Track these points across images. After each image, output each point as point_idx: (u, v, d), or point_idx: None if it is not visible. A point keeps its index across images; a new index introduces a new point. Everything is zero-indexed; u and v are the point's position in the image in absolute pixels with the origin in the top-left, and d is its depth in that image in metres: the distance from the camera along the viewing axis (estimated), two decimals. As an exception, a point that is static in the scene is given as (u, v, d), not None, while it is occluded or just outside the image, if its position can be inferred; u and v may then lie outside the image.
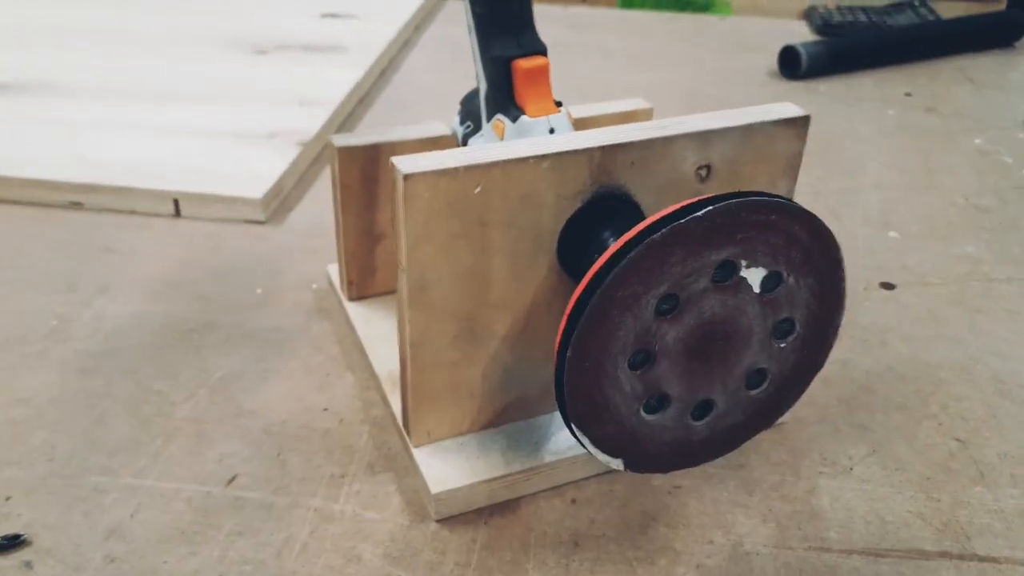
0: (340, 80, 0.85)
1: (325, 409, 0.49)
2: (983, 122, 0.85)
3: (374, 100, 0.88)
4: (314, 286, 0.59)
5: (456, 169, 0.36)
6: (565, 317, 0.33)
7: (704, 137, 0.40)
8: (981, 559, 0.40)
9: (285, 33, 0.98)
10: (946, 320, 0.57)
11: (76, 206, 0.68)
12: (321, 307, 0.57)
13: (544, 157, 0.38)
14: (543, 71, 0.44)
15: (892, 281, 0.61)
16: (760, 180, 0.43)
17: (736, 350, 0.35)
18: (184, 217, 0.67)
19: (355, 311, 0.54)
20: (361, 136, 0.50)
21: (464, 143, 0.50)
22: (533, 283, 0.41)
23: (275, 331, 0.55)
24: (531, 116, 0.43)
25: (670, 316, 0.34)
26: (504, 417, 0.45)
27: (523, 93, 0.43)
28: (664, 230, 0.32)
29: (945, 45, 1.02)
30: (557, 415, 0.46)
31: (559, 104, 0.44)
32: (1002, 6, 1.19)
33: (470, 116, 0.49)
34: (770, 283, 0.35)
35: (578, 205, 0.40)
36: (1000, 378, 0.52)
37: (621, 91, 0.88)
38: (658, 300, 0.33)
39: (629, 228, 0.37)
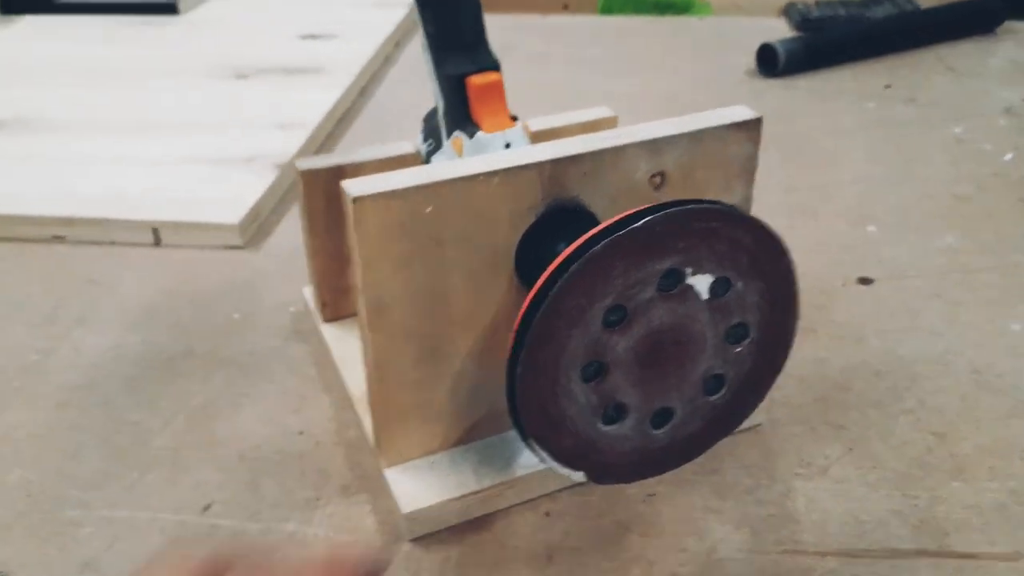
0: (319, 101, 0.86)
1: (300, 432, 0.49)
2: (962, 111, 0.85)
3: (354, 119, 0.88)
4: (292, 309, 0.59)
5: (406, 190, 0.37)
6: (513, 333, 0.33)
7: (655, 145, 0.40)
8: (959, 556, 0.40)
9: (265, 57, 0.98)
10: (923, 313, 0.57)
11: (58, 239, 0.68)
12: (298, 329, 0.57)
13: (494, 173, 0.38)
14: (496, 87, 0.44)
15: (869, 275, 0.61)
16: (715, 185, 0.43)
17: (690, 357, 0.35)
18: (164, 246, 0.67)
19: (330, 332, 0.54)
20: (325, 158, 0.50)
21: (427, 161, 0.50)
22: (494, 299, 0.41)
23: (251, 355, 0.55)
24: (486, 132, 0.43)
25: (619, 327, 0.34)
26: (475, 433, 0.45)
27: (478, 109, 0.44)
28: (604, 242, 0.32)
29: (925, 35, 1.02)
30: None
31: (515, 118, 0.44)
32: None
33: (432, 134, 0.50)
34: (719, 289, 0.35)
35: (532, 219, 0.40)
36: (978, 369, 0.51)
37: (599, 99, 0.88)
38: (605, 312, 0.33)
39: (575, 235, 0.37)
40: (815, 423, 0.48)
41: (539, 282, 0.32)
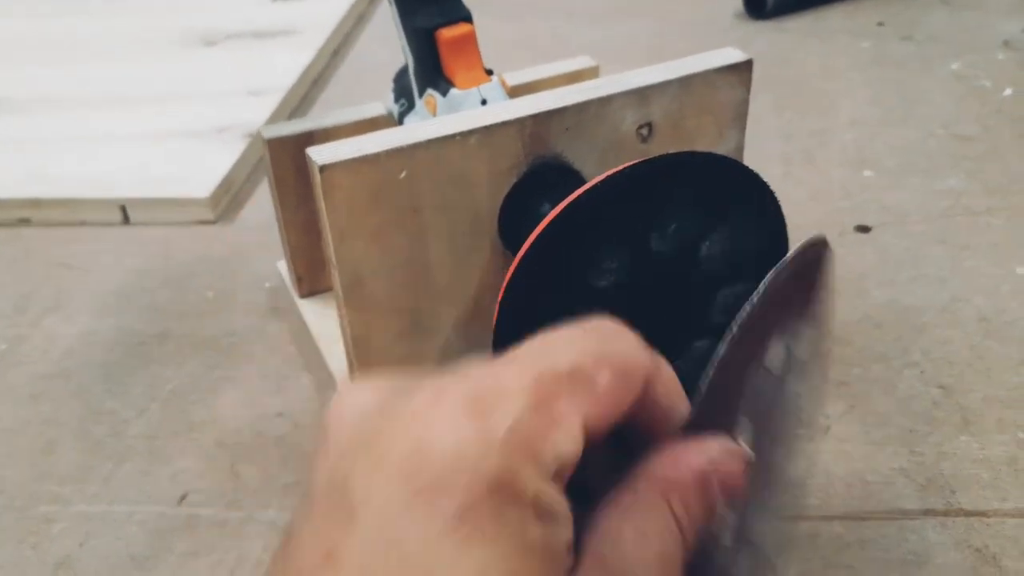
0: (289, 65, 0.82)
1: (279, 414, 0.47)
2: (960, 45, 0.82)
3: (328, 82, 0.85)
4: (267, 284, 0.57)
5: (377, 155, 0.34)
6: (500, 297, 0.31)
7: (642, 94, 0.38)
8: (968, 514, 0.38)
9: (234, 22, 0.95)
10: (927, 260, 0.54)
11: (25, 222, 0.66)
12: (275, 306, 0.55)
13: (471, 132, 0.35)
14: (469, 39, 0.41)
15: (868, 223, 0.58)
16: (706, 133, 0.41)
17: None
18: (134, 224, 0.65)
19: (307, 308, 0.52)
20: (292, 124, 0.47)
21: (400, 122, 0.47)
22: (477, 266, 0.39)
23: (228, 336, 0.53)
24: (460, 88, 0.40)
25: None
26: None
27: (451, 64, 0.41)
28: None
29: (918, -32, 0.98)
30: None
31: (490, 72, 0.42)
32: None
33: (403, 93, 0.47)
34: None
35: (514, 180, 0.37)
36: (986, 317, 0.49)
37: (582, 49, 0.85)
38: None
39: (560, 194, 0.35)
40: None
41: (529, 240, 0.30)
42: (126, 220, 0.64)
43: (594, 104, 0.37)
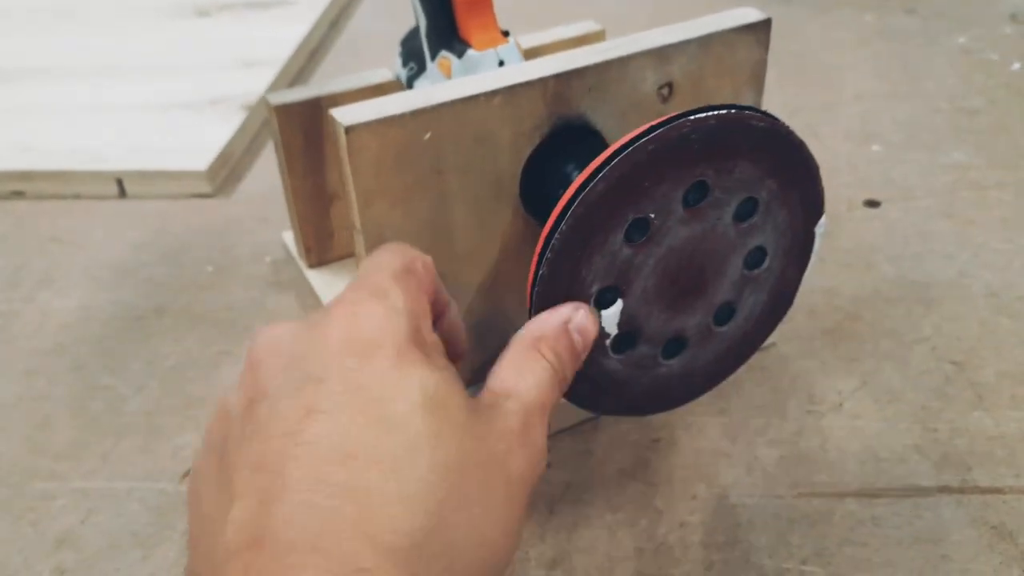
0: (286, 35, 0.81)
1: (282, 389, 0.46)
2: (966, 19, 0.81)
3: (326, 53, 0.84)
4: (268, 258, 0.56)
5: (402, 116, 0.33)
6: (535, 261, 0.30)
7: (662, 53, 0.37)
8: (983, 491, 0.38)
9: (229, -8, 0.93)
10: (935, 235, 0.54)
11: (18, 195, 0.64)
12: (277, 280, 0.54)
13: (495, 93, 0.35)
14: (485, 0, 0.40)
15: (876, 198, 0.57)
16: (724, 94, 0.40)
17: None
18: (130, 198, 0.63)
19: (317, 279, 0.51)
20: (299, 91, 0.46)
21: (409, 86, 0.46)
22: (498, 230, 0.38)
23: (228, 310, 0.52)
24: (477, 49, 0.40)
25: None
26: (482, 374, 0.42)
27: (466, 25, 0.40)
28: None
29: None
30: None
31: (506, 34, 0.41)
32: None
33: (412, 56, 0.46)
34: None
35: (537, 141, 0.37)
36: (995, 292, 0.49)
37: (578, 18, 0.84)
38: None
39: (593, 158, 0.34)
40: (826, 357, 0.45)
41: (567, 194, 0.29)
42: (122, 193, 0.63)
43: (615, 64, 0.36)
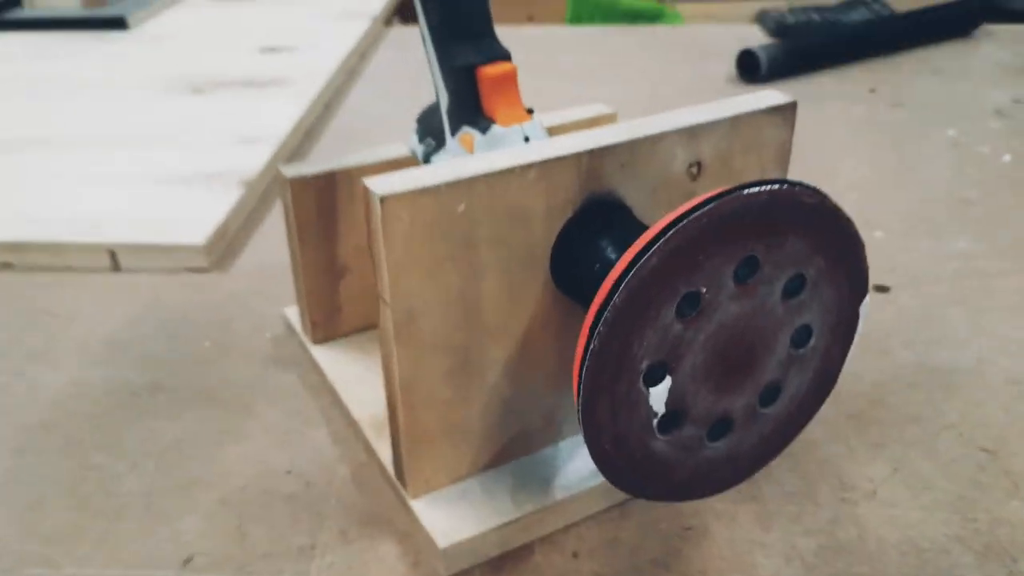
0: (283, 114, 0.81)
1: (288, 471, 0.44)
2: (953, 113, 0.83)
3: (321, 133, 0.84)
4: (268, 334, 0.54)
5: (437, 187, 0.33)
6: (584, 335, 0.29)
7: (692, 132, 0.37)
8: (1029, 583, 0.37)
9: (223, 71, 0.93)
10: (948, 321, 0.53)
11: (6, 267, 0.62)
12: (278, 356, 0.52)
13: (530, 166, 0.34)
14: (511, 77, 0.40)
15: (886, 283, 0.57)
16: (751, 173, 0.41)
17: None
18: (124, 271, 0.61)
19: (322, 355, 0.49)
20: (314, 165, 0.45)
21: (426, 162, 0.46)
22: (528, 304, 0.37)
23: (228, 387, 0.50)
24: (503, 125, 0.39)
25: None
26: (506, 455, 0.40)
27: (491, 102, 0.40)
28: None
29: (905, 38, 1.00)
30: (562, 446, 0.42)
31: (530, 111, 0.41)
32: (953, -2, 1.18)
33: (430, 133, 0.45)
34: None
35: (569, 215, 0.36)
36: (1015, 379, 0.48)
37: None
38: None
39: (628, 234, 0.34)
40: (853, 443, 0.44)
41: (618, 268, 0.28)
42: (115, 266, 0.61)
43: (647, 141, 0.36)
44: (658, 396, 0.30)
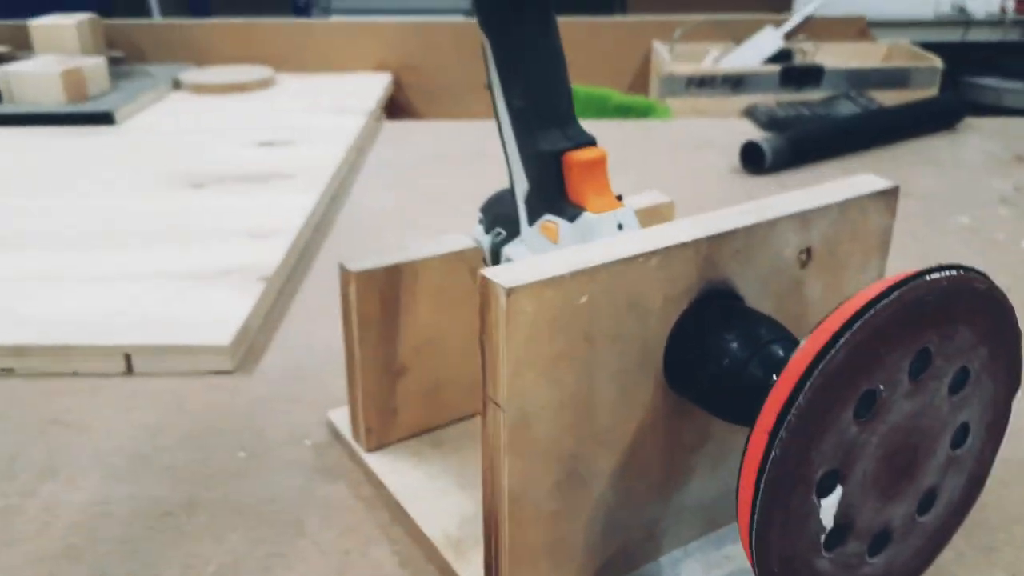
0: (293, 208, 0.78)
1: (355, 598, 0.39)
2: (962, 202, 0.84)
3: (330, 228, 0.81)
4: (308, 441, 0.50)
5: (562, 277, 0.30)
6: (759, 442, 0.26)
7: (805, 218, 0.36)
8: None
9: (221, 165, 0.90)
10: (1016, 413, 0.52)
11: (7, 373, 0.57)
12: (324, 466, 0.48)
13: (653, 254, 0.32)
14: (601, 163, 0.38)
15: (945, 373, 0.56)
16: (855, 261, 0.39)
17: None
18: (137, 375, 0.57)
19: (379, 464, 0.45)
20: (378, 257, 0.43)
21: (495, 253, 0.43)
22: (640, 406, 0.35)
23: (271, 503, 0.45)
24: (595, 212, 0.37)
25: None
26: (607, 573, 0.37)
27: (580, 188, 0.38)
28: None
29: (895, 130, 1.02)
30: (663, 561, 0.38)
31: (619, 198, 0.39)
32: (932, 92, 1.22)
33: (499, 222, 0.43)
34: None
35: (684, 306, 0.34)
36: (1104, 471, 0.46)
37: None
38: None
39: (754, 326, 0.32)
40: (961, 547, 0.41)
41: (799, 365, 0.26)
42: (129, 370, 0.57)
43: (764, 227, 0.35)
44: (828, 508, 0.27)
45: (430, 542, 0.40)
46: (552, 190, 0.38)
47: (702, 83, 1.19)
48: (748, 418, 0.32)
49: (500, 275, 0.30)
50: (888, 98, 1.16)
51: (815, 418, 0.26)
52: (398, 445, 0.47)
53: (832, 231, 0.37)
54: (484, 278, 0.30)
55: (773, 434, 0.26)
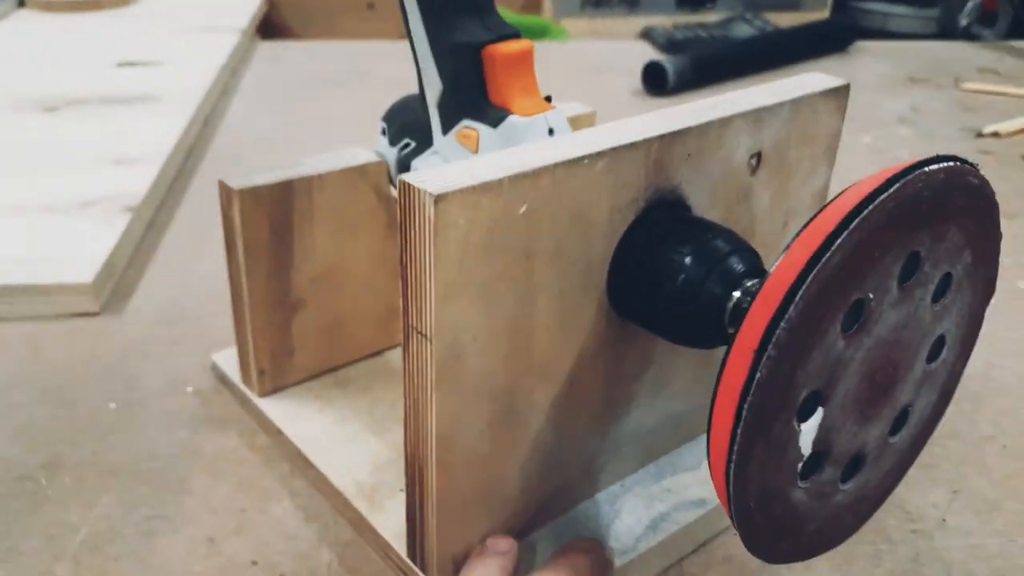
0: (161, 132, 0.70)
1: (253, 562, 0.34)
2: (863, 122, 0.83)
3: (204, 154, 0.73)
4: (189, 389, 0.44)
5: (500, 182, 0.25)
6: (741, 363, 0.22)
7: (758, 117, 0.33)
8: None
9: (76, 87, 0.80)
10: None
11: None
12: (210, 415, 0.42)
13: (599, 156, 0.27)
14: (527, 57, 0.33)
15: (865, 291, 0.54)
16: (804, 167, 0.36)
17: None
18: (-16, 320, 0.49)
19: (275, 410, 0.40)
20: (267, 173, 0.37)
21: (404, 168, 0.38)
22: (581, 331, 0.31)
23: (151, 459, 0.40)
24: (522, 115, 0.32)
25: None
26: (543, 516, 0.33)
27: (503, 88, 0.33)
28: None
29: (791, 52, 1.00)
30: (600, 498, 0.35)
31: (548, 99, 0.34)
32: (823, 15, 1.21)
33: (406, 132, 0.38)
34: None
35: (631, 219, 0.30)
36: (1029, 382, 0.46)
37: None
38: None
39: (705, 239, 0.28)
40: (900, 465, 0.40)
41: (787, 274, 0.22)
42: (-27, 315, 0.49)
43: (717, 126, 0.31)
44: (808, 433, 0.24)
45: (340, 493, 0.35)
46: (470, 91, 0.33)
47: (598, 3, 1.15)
48: (706, 340, 0.29)
49: (426, 181, 0.25)
50: (782, 20, 1.14)
51: (805, 333, 0.22)
52: (296, 388, 0.41)
53: (783, 133, 0.34)
54: (406, 184, 0.25)
55: (759, 353, 0.22)
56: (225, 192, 0.36)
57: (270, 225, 0.37)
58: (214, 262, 0.55)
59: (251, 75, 0.94)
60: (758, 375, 0.22)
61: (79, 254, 0.52)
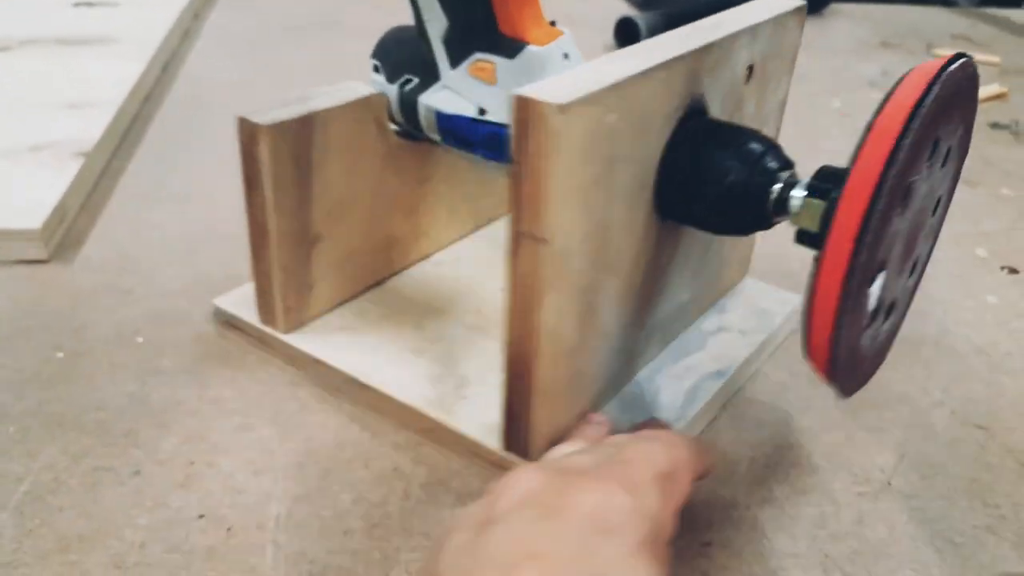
0: (117, 75, 0.68)
1: (200, 516, 0.34)
2: (834, 86, 0.83)
3: (162, 100, 0.71)
4: (139, 339, 0.44)
5: (599, 94, 0.27)
6: (846, 252, 0.26)
7: (754, 32, 0.36)
8: (1073, 570, 0.34)
9: (29, 25, 0.78)
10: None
11: None
12: (158, 367, 0.42)
13: (661, 67, 0.30)
14: None
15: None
16: (775, 78, 0.40)
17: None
18: (-73, 266, 0.48)
19: (307, 343, 0.41)
20: (285, 109, 0.37)
21: (408, 104, 0.38)
22: (638, 230, 0.34)
23: (97, 410, 0.39)
24: (539, 44, 0.33)
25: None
26: (600, 400, 0.37)
27: (515, 18, 0.34)
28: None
29: (766, 13, 1.00)
30: (639, 378, 0.39)
31: (553, 24, 0.35)
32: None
33: (405, 68, 0.38)
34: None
35: (674, 125, 0.32)
36: (982, 350, 0.46)
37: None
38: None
39: (744, 144, 0.32)
40: (850, 428, 0.40)
41: (873, 166, 0.26)
42: (-84, 260, 0.48)
43: (729, 40, 0.34)
44: (875, 293, 0.29)
45: (408, 407, 0.37)
46: (480, 24, 0.34)
47: (572, -44, 1.12)
48: (747, 228, 0.33)
49: (544, 93, 0.26)
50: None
51: (886, 220, 0.27)
52: (316, 323, 0.42)
53: (768, 47, 0.37)
54: (523, 99, 0.26)
55: (859, 240, 0.26)
56: (248, 129, 0.36)
57: (293, 159, 0.37)
58: (167, 212, 0.54)
59: (214, 19, 0.92)
60: (861, 256, 0.26)
61: (28, 199, 0.51)
